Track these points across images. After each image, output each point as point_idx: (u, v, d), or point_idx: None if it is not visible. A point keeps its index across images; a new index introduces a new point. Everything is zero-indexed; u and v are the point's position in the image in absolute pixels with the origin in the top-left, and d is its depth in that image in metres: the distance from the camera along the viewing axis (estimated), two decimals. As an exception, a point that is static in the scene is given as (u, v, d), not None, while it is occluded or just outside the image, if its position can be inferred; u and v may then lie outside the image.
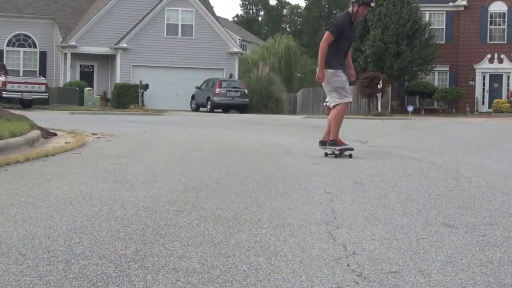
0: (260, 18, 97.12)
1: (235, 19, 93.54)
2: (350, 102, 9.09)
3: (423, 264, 3.09)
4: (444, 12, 42.82)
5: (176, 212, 4.41)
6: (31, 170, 6.66)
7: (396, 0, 38.93)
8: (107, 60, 41.15)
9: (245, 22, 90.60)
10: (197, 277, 2.85)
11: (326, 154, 8.74)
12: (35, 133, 10.10)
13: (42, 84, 33.65)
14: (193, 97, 40.35)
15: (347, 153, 8.64)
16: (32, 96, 33.05)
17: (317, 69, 8.99)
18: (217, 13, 51.54)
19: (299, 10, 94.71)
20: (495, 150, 10.56)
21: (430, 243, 3.56)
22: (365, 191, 5.53)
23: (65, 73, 40.01)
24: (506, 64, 41.77)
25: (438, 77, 43.04)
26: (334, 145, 8.68)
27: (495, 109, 39.40)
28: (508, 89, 41.38)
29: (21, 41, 40.98)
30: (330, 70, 8.73)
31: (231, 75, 41.46)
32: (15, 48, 40.93)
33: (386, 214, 4.42)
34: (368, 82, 37.24)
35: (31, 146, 9.15)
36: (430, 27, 40.97)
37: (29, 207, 4.52)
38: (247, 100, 38.48)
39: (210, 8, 43.63)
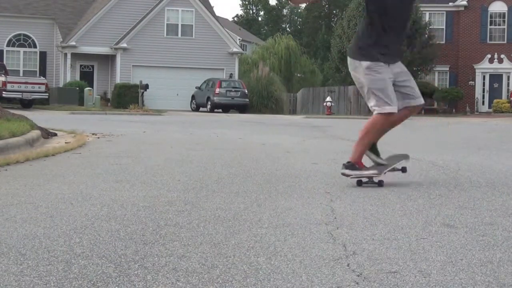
0: (260, 18, 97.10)
1: (235, 19, 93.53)
2: (394, 113, 5.89)
3: (423, 264, 3.09)
4: (444, 12, 42.84)
5: (176, 212, 4.41)
6: (31, 170, 6.66)
7: (396, 0, 38.89)
8: (107, 60, 41.15)
9: (245, 22, 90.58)
10: (197, 277, 2.84)
11: (360, 183, 5.90)
12: (35, 133, 10.10)
13: (42, 84, 33.67)
14: (193, 97, 40.36)
15: (370, 179, 5.90)
16: (32, 96, 33.06)
17: None
18: (217, 13, 51.54)
19: (299, 10, 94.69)
20: (495, 150, 10.56)
21: (430, 243, 3.55)
22: (365, 191, 5.53)
23: (65, 73, 40.02)
24: (506, 64, 41.78)
25: (438, 77, 43.07)
26: (352, 169, 5.89)
27: (495, 109, 39.43)
28: (508, 89, 41.41)
29: (21, 41, 40.99)
30: (365, 63, 5.81)
31: (231, 75, 41.46)
32: (15, 48, 40.94)
33: (386, 214, 4.42)
34: (368, 82, 37.19)
35: (31, 146, 9.15)
36: (430, 27, 40.99)
37: (29, 207, 4.51)
38: (247, 100, 38.48)
39: (210, 8, 43.63)
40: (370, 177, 5.87)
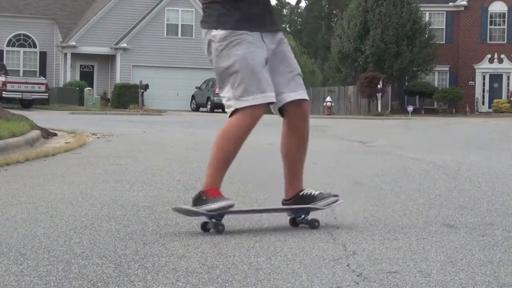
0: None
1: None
2: (263, 108, 3.97)
3: (423, 264, 3.09)
4: (444, 12, 42.84)
5: (176, 212, 4.40)
6: (31, 170, 6.66)
7: (396, 0, 38.95)
8: (107, 60, 41.15)
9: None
10: (197, 277, 2.84)
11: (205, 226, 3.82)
12: (35, 133, 10.10)
13: (42, 84, 33.70)
14: (193, 97, 40.37)
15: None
16: (32, 96, 33.08)
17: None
18: (217, 13, 51.52)
19: (299, 10, 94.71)
20: (495, 150, 10.56)
21: (430, 243, 3.55)
22: (365, 191, 5.53)
23: (65, 73, 40.03)
24: (506, 64, 41.78)
25: (438, 77, 43.07)
26: (198, 203, 3.76)
27: (495, 109, 39.44)
28: (508, 89, 41.41)
29: (21, 41, 41.00)
30: (221, 32, 3.77)
31: (231, 75, 41.46)
32: (15, 48, 40.95)
33: (386, 214, 4.42)
34: (368, 82, 37.27)
35: (31, 146, 9.15)
36: (430, 27, 41.00)
37: (29, 207, 4.51)
38: (247, 100, 38.49)
39: (210, 8, 43.62)
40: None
